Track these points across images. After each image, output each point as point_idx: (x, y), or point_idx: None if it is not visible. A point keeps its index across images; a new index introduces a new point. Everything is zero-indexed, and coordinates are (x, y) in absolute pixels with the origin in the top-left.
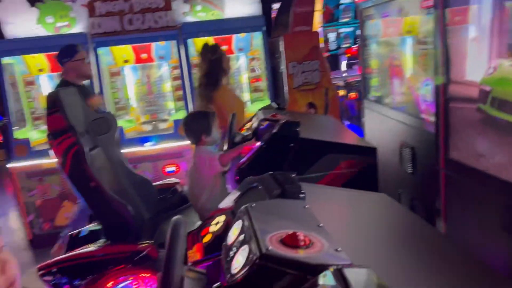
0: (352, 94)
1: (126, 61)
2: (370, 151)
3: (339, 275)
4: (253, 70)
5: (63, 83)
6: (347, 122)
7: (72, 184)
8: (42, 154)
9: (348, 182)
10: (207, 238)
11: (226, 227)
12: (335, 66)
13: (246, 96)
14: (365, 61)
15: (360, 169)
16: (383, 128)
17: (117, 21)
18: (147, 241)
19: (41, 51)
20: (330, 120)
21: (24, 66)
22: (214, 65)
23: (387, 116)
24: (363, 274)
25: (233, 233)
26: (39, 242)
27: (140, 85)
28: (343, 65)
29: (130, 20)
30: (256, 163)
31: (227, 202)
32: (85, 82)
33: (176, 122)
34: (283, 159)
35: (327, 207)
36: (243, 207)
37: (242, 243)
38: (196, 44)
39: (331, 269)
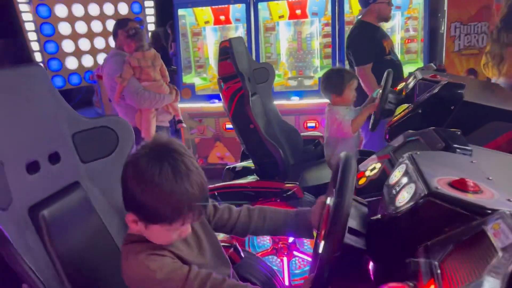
0: None
1: (281, 17)
2: None
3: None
4: (407, 30)
5: (361, 24)
6: None
7: (234, 124)
8: (203, 98)
9: None
10: (362, 181)
11: (382, 173)
12: None
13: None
14: None
15: None
16: None
17: None
18: (294, 182)
19: (208, 4)
20: (498, 87)
21: (193, 18)
22: None
23: None
24: None
25: (396, 175)
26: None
27: (291, 41)
28: None
29: None
30: (411, 123)
31: (384, 151)
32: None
33: (320, 79)
34: (442, 121)
35: (495, 166)
36: (407, 154)
37: (408, 182)
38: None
39: (507, 211)
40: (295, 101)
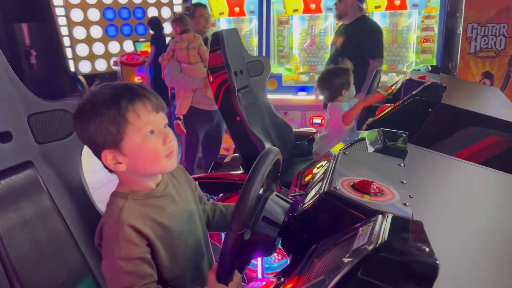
0: None
1: (295, 10)
2: None
3: (384, 222)
4: (424, 29)
5: (367, 19)
6: None
7: (222, 115)
8: None
9: (489, 160)
10: (307, 178)
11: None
12: None
13: (411, 57)
14: None
15: (508, 149)
16: None
17: None
18: None
19: None
20: (496, 93)
21: (208, 8)
22: None
23: None
24: (408, 223)
25: (319, 173)
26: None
27: (305, 35)
28: None
29: None
30: (388, 123)
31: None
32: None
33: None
34: (419, 123)
35: (428, 172)
36: (338, 152)
37: (319, 181)
38: None
39: (390, 215)
40: (302, 96)
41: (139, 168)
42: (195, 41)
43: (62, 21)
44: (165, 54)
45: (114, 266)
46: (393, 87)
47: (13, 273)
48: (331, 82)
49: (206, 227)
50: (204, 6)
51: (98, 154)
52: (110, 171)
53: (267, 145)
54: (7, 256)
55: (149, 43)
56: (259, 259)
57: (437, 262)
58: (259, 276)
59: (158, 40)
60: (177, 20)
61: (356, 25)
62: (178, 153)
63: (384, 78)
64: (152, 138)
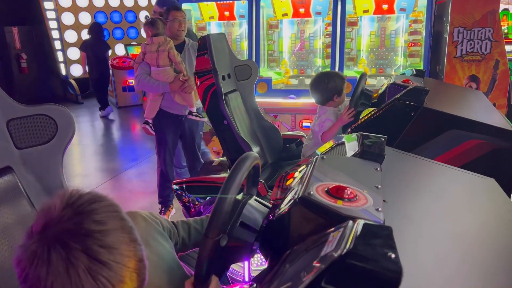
0: None
1: (284, 15)
2: (507, 135)
3: (354, 228)
4: (412, 33)
5: None
6: None
7: (209, 119)
8: None
9: (469, 164)
10: (289, 182)
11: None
12: None
13: (399, 60)
14: None
15: (489, 152)
16: None
17: None
18: (261, 180)
19: None
20: (478, 96)
21: (198, 12)
22: None
23: None
24: (378, 229)
25: (298, 176)
26: None
27: (294, 39)
28: None
29: None
30: (371, 127)
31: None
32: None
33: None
34: (402, 127)
35: (405, 176)
36: (315, 156)
37: (295, 186)
38: (354, 1)
39: (361, 221)
40: (292, 99)
41: None
42: (165, 44)
43: (53, 24)
44: (136, 57)
45: None
46: (379, 91)
47: None
48: (324, 86)
49: (180, 263)
50: (178, 9)
51: None
52: None
53: (255, 149)
54: None
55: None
56: (246, 262)
57: (401, 268)
58: (246, 279)
59: None
60: (148, 23)
61: None
62: None
63: (372, 81)
64: None
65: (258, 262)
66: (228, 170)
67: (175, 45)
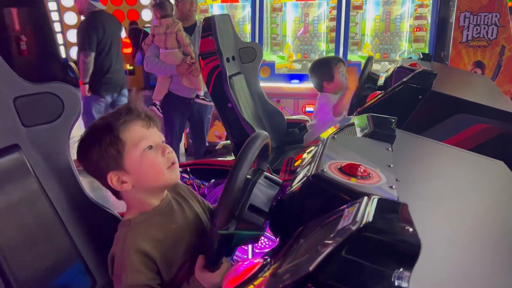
0: None
1: None
2: None
3: (370, 203)
4: (417, 17)
5: None
6: None
7: (213, 101)
8: None
9: (477, 148)
10: (297, 163)
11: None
12: None
13: (404, 45)
14: None
15: (496, 136)
16: None
17: None
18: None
19: None
20: (486, 81)
21: None
22: None
23: None
24: (394, 205)
25: (308, 157)
26: (191, 151)
27: (298, 23)
28: None
29: None
30: (378, 110)
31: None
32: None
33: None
34: (410, 110)
35: (416, 157)
36: (326, 137)
37: (307, 164)
38: None
39: (375, 197)
40: (295, 84)
41: (144, 183)
42: (173, 26)
43: (52, 6)
44: (146, 39)
45: None
46: (384, 75)
47: (1, 255)
48: (313, 73)
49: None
50: None
51: (104, 179)
52: (118, 197)
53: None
54: None
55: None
56: (250, 245)
57: (420, 242)
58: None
59: None
60: (157, 5)
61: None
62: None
63: (376, 66)
64: (151, 152)
65: (261, 245)
66: (232, 154)
67: (186, 26)
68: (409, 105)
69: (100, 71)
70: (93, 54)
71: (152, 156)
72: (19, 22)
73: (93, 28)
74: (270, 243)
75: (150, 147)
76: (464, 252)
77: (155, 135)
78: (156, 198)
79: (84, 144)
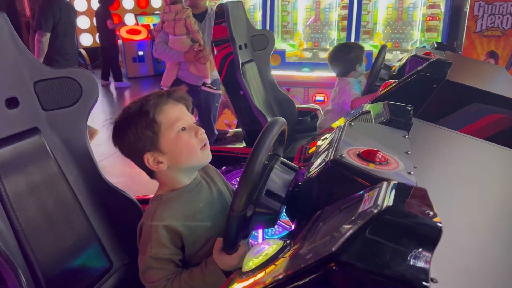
0: None
1: None
2: None
3: (389, 188)
4: (431, 6)
5: None
6: None
7: (225, 89)
8: None
9: (491, 138)
10: (311, 150)
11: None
12: None
13: (416, 35)
14: None
15: (511, 127)
16: None
17: None
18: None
19: None
20: (500, 71)
21: None
22: None
23: None
24: (413, 190)
25: (324, 144)
26: None
27: (309, 11)
28: None
29: None
30: (393, 98)
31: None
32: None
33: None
34: (424, 99)
35: (432, 145)
36: (343, 123)
37: (325, 150)
38: None
39: (393, 182)
40: (305, 73)
41: (178, 163)
42: (182, 12)
43: None
44: (156, 26)
45: (145, 261)
46: (397, 64)
47: (22, 235)
48: (346, 56)
49: None
50: None
51: (140, 160)
52: (152, 176)
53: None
54: (16, 219)
55: (151, 17)
56: (260, 230)
57: (441, 225)
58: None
59: None
60: None
61: None
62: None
63: (388, 56)
64: (185, 133)
65: (271, 231)
66: (243, 141)
67: (197, 13)
68: (424, 94)
69: (57, 54)
70: (48, 35)
71: (186, 137)
72: (30, 8)
73: (50, 9)
74: (280, 229)
75: (184, 128)
76: (484, 238)
77: (188, 117)
78: (188, 178)
79: (120, 127)
